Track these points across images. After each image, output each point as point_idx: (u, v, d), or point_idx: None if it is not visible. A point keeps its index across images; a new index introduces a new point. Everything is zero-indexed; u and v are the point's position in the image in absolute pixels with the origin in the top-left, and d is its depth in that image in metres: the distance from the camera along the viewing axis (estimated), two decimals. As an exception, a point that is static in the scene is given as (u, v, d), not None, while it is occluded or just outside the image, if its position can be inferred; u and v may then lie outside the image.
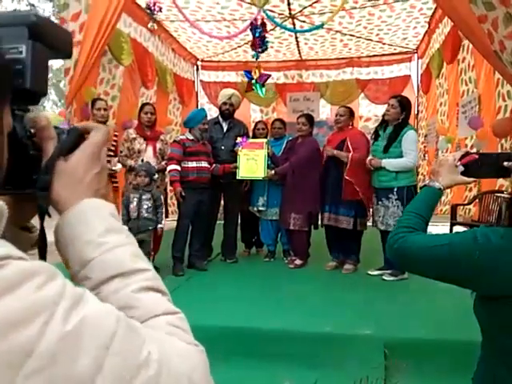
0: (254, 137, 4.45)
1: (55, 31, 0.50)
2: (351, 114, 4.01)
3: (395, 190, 3.50)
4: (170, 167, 3.81)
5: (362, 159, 3.71)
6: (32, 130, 0.48)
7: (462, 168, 1.11)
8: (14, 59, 0.45)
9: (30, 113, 0.49)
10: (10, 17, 0.47)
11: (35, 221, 0.55)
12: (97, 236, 0.46)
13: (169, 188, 4.28)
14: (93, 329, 0.35)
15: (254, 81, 5.25)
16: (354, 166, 3.71)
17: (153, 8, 4.79)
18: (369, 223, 3.96)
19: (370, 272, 3.74)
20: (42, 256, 0.49)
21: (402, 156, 3.50)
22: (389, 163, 3.51)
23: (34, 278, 0.34)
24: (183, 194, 3.75)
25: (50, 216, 0.48)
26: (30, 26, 0.46)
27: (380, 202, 3.61)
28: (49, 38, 0.48)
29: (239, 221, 4.56)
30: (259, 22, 5.03)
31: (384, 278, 3.59)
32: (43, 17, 0.47)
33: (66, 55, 0.52)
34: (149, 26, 5.32)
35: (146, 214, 3.51)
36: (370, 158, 3.69)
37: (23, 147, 0.47)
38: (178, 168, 3.80)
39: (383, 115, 3.71)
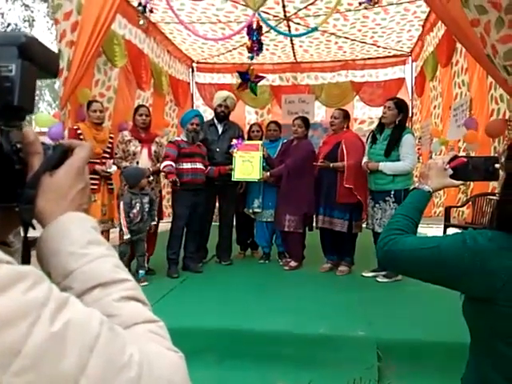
0: (249, 139, 4.46)
1: (43, 51, 0.52)
2: (346, 116, 4.01)
3: (392, 192, 3.52)
4: (164, 163, 3.78)
5: (357, 164, 3.74)
6: (18, 145, 0.49)
7: (450, 171, 1.12)
8: (3, 77, 0.47)
9: (15, 128, 0.50)
10: (4, 36, 0.49)
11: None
12: (79, 248, 0.47)
13: (165, 191, 4.27)
14: (77, 331, 0.37)
15: (249, 82, 5.30)
16: (352, 172, 3.73)
17: (144, 4, 4.77)
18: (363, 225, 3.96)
19: (364, 274, 3.76)
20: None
21: (399, 160, 3.51)
22: (386, 167, 3.52)
23: (23, 280, 0.35)
24: (178, 182, 3.72)
25: (34, 228, 0.49)
26: (19, 46, 0.48)
27: (377, 205, 3.61)
28: (37, 58, 0.50)
29: (234, 223, 4.57)
30: (255, 26, 5.05)
31: (378, 279, 3.61)
32: (32, 37, 0.50)
33: (53, 75, 0.54)
34: (140, 23, 5.30)
35: (146, 216, 3.55)
36: (366, 160, 3.70)
37: (9, 162, 0.48)
38: (173, 164, 3.78)
39: (380, 118, 3.71)
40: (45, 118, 4.43)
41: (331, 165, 3.80)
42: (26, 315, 0.34)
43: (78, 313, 0.38)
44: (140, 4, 4.84)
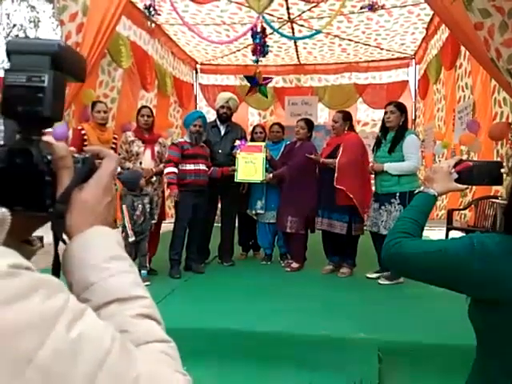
0: (252, 140, 4.47)
1: (74, 58, 0.53)
2: (346, 118, 3.97)
3: (397, 194, 3.53)
4: (167, 170, 3.82)
5: (350, 163, 3.71)
6: (48, 157, 0.50)
7: (455, 175, 1.13)
8: (35, 87, 0.47)
9: (48, 141, 0.51)
10: (34, 45, 0.49)
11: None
12: (101, 262, 0.48)
13: (166, 192, 4.29)
14: (90, 344, 0.37)
15: (258, 86, 5.34)
16: (342, 172, 3.70)
17: (150, 6, 4.80)
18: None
19: (368, 275, 3.75)
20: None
21: (403, 160, 3.54)
22: (391, 167, 3.54)
23: (41, 289, 0.36)
24: (177, 198, 3.78)
25: (64, 243, 0.50)
26: (52, 56, 0.48)
27: (383, 207, 3.62)
28: (68, 67, 0.51)
29: (236, 224, 4.58)
30: (259, 28, 5.07)
31: (379, 282, 3.61)
32: (65, 46, 0.50)
33: (81, 80, 0.55)
34: (148, 26, 5.34)
35: (148, 216, 3.57)
36: (371, 163, 3.72)
37: (39, 173, 0.49)
38: (176, 171, 3.82)
39: (384, 122, 3.71)
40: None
41: (321, 160, 3.80)
42: (41, 325, 0.34)
43: (93, 326, 0.39)
44: (146, 7, 4.87)
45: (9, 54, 0.49)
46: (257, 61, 5.47)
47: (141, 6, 5.49)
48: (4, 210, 0.44)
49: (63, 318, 0.36)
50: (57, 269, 0.50)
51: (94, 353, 0.37)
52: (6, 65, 0.49)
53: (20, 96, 0.47)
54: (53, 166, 0.50)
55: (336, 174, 3.71)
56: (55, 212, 0.49)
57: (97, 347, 0.37)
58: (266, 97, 6.38)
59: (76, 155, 0.53)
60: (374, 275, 3.72)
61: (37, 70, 0.48)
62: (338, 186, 3.69)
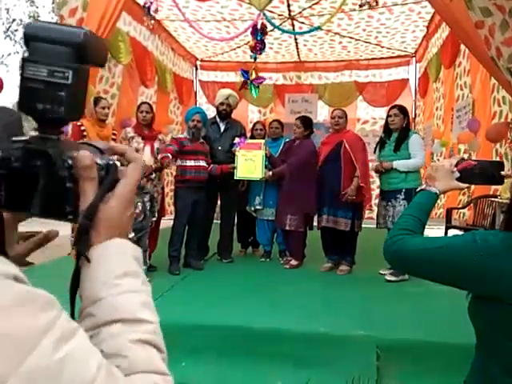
0: (252, 137, 4.47)
1: (98, 47, 0.49)
2: (347, 115, 4.09)
3: (403, 191, 3.64)
4: (163, 154, 3.79)
5: (367, 162, 3.91)
6: (69, 161, 0.46)
7: (457, 174, 1.13)
8: (58, 83, 0.43)
9: (72, 150, 0.47)
10: (57, 32, 0.44)
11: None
12: (113, 277, 0.46)
13: (168, 188, 4.29)
14: (73, 369, 0.35)
15: (249, 81, 5.28)
16: (363, 172, 3.82)
17: (149, 5, 4.79)
18: (367, 225, 3.99)
19: (381, 271, 3.76)
20: (72, 298, 0.49)
21: (409, 158, 3.67)
22: (399, 164, 3.66)
23: (30, 304, 0.34)
24: (170, 162, 3.75)
25: (89, 261, 0.47)
26: (77, 47, 0.44)
27: (389, 203, 3.72)
28: (92, 56, 0.47)
29: (235, 221, 4.58)
30: (259, 26, 5.05)
31: (386, 278, 3.63)
32: (90, 35, 0.46)
33: (101, 65, 0.51)
34: (147, 23, 5.33)
35: (149, 214, 3.57)
36: (378, 162, 3.83)
37: (60, 178, 0.46)
38: (169, 155, 3.78)
39: (388, 125, 3.81)
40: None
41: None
42: (24, 342, 0.33)
43: (80, 349, 0.37)
44: (145, 5, 4.86)
45: (27, 39, 0.44)
46: (255, 58, 5.45)
47: (141, 1, 5.48)
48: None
49: (50, 335, 0.34)
50: (74, 290, 0.48)
51: (77, 379, 0.35)
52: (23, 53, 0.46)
53: (40, 92, 0.43)
54: (74, 172, 0.46)
55: (360, 174, 3.78)
56: (80, 228, 0.47)
57: (80, 373, 0.36)
58: (256, 95, 6.32)
59: (98, 161, 0.49)
60: (387, 272, 3.72)
61: (60, 64, 0.43)
62: (362, 185, 3.79)
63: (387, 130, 3.85)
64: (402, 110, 3.81)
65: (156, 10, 4.96)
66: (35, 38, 0.44)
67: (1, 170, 0.44)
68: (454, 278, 0.96)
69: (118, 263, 0.47)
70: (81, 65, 0.44)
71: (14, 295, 0.34)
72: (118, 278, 0.46)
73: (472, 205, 4.78)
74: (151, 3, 4.79)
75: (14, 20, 12.94)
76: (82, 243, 0.47)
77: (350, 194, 3.75)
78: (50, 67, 0.43)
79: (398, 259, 1.04)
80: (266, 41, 5.31)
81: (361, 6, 4.72)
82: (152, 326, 0.46)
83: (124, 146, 0.53)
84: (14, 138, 0.45)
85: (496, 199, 4.08)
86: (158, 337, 0.47)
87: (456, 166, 1.14)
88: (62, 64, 0.43)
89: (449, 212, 4.93)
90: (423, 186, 1.17)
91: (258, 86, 5.40)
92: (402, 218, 1.10)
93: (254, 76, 5.32)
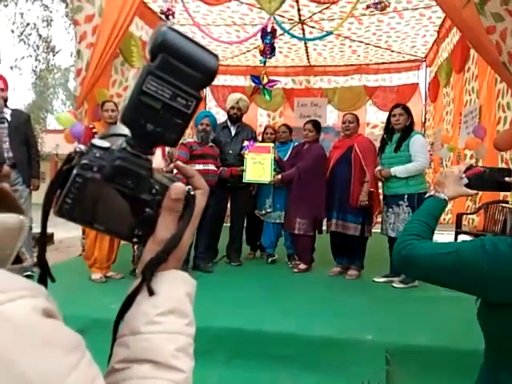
0: (263, 141, 4.49)
1: None
2: (358, 120, 4.06)
3: (406, 196, 3.53)
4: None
5: (375, 166, 3.84)
6: (156, 186, 0.44)
7: (466, 180, 1.14)
8: (178, 110, 0.40)
9: (173, 182, 0.45)
10: (197, 55, 0.40)
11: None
12: (158, 313, 0.44)
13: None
14: None
15: (261, 86, 5.31)
16: (373, 177, 3.78)
17: (167, 13, 4.87)
18: (376, 230, 3.96)
19: (375, 279, 3.74)
20: (118, 319, 0.46)
21: (410, 161, 3.54)
22: (397, 171, 3.54)
23: (56, 347, 0.33)
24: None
25: (152, 294, 0.44)
26: (206, 79, 0.41)
27: (390, 209, 3.63)
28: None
29: (245, 224, 4.60)
30: (269, 29, 5.08)
31: (394, 285, 3.57)
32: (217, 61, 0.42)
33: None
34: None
35: None
36: (378, 168, 3.74)
37: (140, 201, 0.43)
38: None
39: (391, 125, 3.71)
40: (66, 118, 4.50)
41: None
42: None
43: None
44: (163, 13, 4.93)
45: (161, 49, 0.39)
46: (265, 61, 5.48)
47: (153, 6, 5.56)
48: (22, 217, 0.40)
49: (70, 380, 0.32)
50: (127, 306, 0.45)
51: None
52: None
53: (155, 112, 0.39)
54: (157, 199, 0.44)
55: (370, 180, 3.74)
56: (156, 260, 0.44)
57: None
58: (270, 99, 6.32)
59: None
60: (382, 279, 3.70)
61: (186, 91, 0.39)
62: (371, 190, 3.76)
63: (389, 130, 3.74)
64: (406, 109, 3.69)
65: (173, 14, 5.03)
66: (171, 52, 0.39)
67: (78, 177, 0.40)
68: (462, 284, 0.96)
69: (167, 298, 0.45)
70: (199, 97, 0.40)
71: (43, 336, 0.32)
72: (160, 315, 0.44)
73: (482, 210, 4.75)
74: (168, 9, 4.87)
75: (27, 24, 13.14)
76: (150, 273, 0.44)
77: (361, 199, 3.74)
78: (175, 90, 0.39)
79: (407, 264, 1.04)
80: (275, 45, 5.35)
81: (371, 6, 4.68)
82: (183, 375, 0.43)
83: (192, 169, 0.50)
84: (110, 147, 0.42)
85: (507, 205, 4.04)
86: None
87: (465, 172, 1.14)
88: (189, 92, 0.40)
89: (459, 218, 4.89)
90: (432, 192, 1.17)
91: (271, 90, 5.44)
92: (410, 223, 1.11)
93: (265, 80, 5.35)
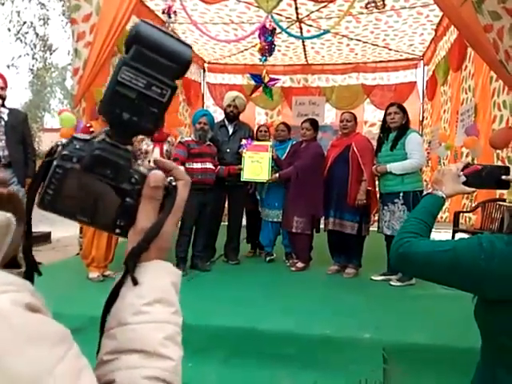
0: (256, 139, 4.49)
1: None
2: (355, 119, 4.06)
3: (401, 194, 3.54)
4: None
5: (372, 165, 3.84)
6: (136, 176, 0.44)
7: (464, 178, 1.14)
8: (153, 99, 0.41)
9: (149, 169, 0.46)
10: (171, 45, 0.41)
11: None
12: (144, 303, 0.44)
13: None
14: None
15: (263, 85, 5.30)
16: (371, 176, 3.78)
17: (168, 11, 4.86)
18: (374, 228, 3.97)
19: (373, 277, 3.75)
20: (105, 312, 0.46)
21: (406, 159, 3.55)
22: (393, 167, 3.56)
23: (42, 341, 0.32)
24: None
25: (136, 284, 0.44)
26: (181, 68, 0.41)
27: (386, 207, 3.64)
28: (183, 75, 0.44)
29: (244, 223, 4.60)
30: (268, 27, 5.07)
31: (391, 283, 3.59)
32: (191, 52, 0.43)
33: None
34: (171, 29, 5.41)
35: None
36: (375, 165, 3.75)
37: (121, 191, 0.44)
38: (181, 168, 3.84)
39: (387, 124, 3.72)
40: (69, 118, 4.48)
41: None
42: (33, 381, 0.31)
43: None
44: (164, 12, 4.91)
45: (134, 40, 0.40)
46: (265, 60, 5.48)
47: (150, 4, 5.54)
48: (9, 215, 0.40)
49: (52, 377, 0.31)
50: (113, 298, 0.45)
51: None
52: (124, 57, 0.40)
53: (130, 101, 0.40)
54: (137, 188, 0.44)
55: (367, 178, 3.74)
56: (137, 249, 0.44)
57: None
58: (271, 98, 6.32)
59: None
60: (380, 278, 3.71)
61: (161, 80, 0.40)
62: (369, 188, 3.75)
63: (385, 129, 3.76)
64: (401, 108, 3.71)
65: (175, 13, 5.02)
66: (145, 44, 0.40)
67: (58, 168, 0.41)
68: (459, 282, 0.97)
69: (152, 288, 0.45)
70: (175, 86, 0.42)
71: (27, 330, 0.32)
72: (148, 304, 0.44)
73: (480, 209, 4.76)
74: (169, 8, 4.85)
75: (24, 23, 13.09)
76: (133, 263, 0.45)
77: (359, 198, 3.74)
78: (149, 79, 0.40)
79: (404, 262, 1.05)
80: (274, 43, 5.34)
81: (366, 6, 4.68)
82: (172, 363, 0.43)
83: (171, 163, 0.50)
84: (80, 137, 0.42)
85: (504, 203, 4.05)
86: (175, 376, 0.43)
87: (462, 170, 1.15)
88: (164, 81, 0.40)
89: (456, 216, 4.90)
90: (429, 190, 1.18)
91: (271, 89, 5.44)
92: (407, 221, 1.11)
93: (267, 79, 5.35)
